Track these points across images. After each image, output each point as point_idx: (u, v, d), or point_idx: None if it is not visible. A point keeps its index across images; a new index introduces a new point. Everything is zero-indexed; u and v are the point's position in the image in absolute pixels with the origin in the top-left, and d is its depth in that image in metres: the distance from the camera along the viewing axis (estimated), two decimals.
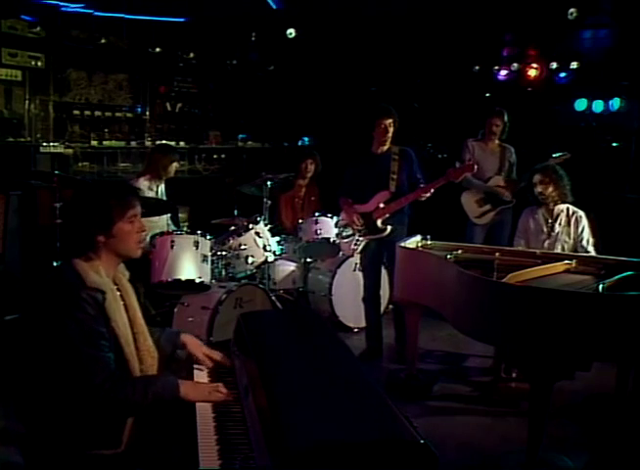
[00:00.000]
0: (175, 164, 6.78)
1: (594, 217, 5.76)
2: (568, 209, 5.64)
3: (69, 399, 2.60)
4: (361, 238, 6.08)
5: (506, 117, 6.89)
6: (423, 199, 5.84)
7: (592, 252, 5.50)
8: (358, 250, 6.21)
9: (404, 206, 5.94)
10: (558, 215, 5.65)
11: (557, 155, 6.29)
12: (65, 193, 6.66)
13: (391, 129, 5.90)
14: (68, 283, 2.66)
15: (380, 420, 2.27)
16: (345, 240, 6.40)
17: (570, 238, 5.60)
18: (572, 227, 5.60)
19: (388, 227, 5.93)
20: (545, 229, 5.67)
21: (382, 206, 5.92)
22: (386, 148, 5.99)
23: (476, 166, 6.03)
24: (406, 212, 6.07)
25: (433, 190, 5.80)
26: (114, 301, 2.72)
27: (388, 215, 5.93)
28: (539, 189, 5.59)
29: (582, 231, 5.58)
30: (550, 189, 5.57)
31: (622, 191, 8.90)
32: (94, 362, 2.59)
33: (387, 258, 6.20)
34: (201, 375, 3.09)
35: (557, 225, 5.63)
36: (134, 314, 2.88)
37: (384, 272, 6.46)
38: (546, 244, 5.63)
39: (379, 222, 5.94)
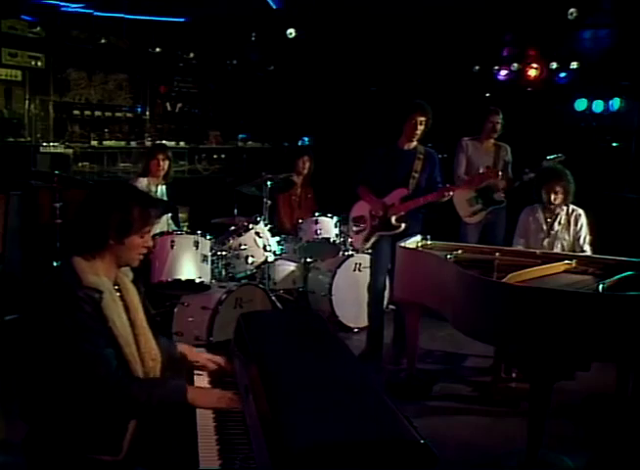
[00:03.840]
0: (163, 162, 6.70)
1: (592, 216, 5.76)
2: (567, 207, 5.65)
3: (72, 398, 2.59)
4: (374, 233, 6.04)
5: (501, 116, 6.91)
6: (441, 201, 5.82)
7: (588, 250, 5.52)
8: (368, 245, 6.15)
9: (420, 205, 5.88)
10: (558, 214, 5.65)
11: (551, 157, 6.27)
12: (65, 193, 6.67)
13: (421, 127, 5.81)
14: (66, 282, 2.65)
15: (380, 420, 2.27)
16: (357, 234, 6.23)
17: (569, 236, 5.62)
18: (572, 226, 5.61)
19: (402, 225, 5.87)
20: (545, 228, 5.67)
21: (398, 202, 5.87)
22: (412, 145, 5.93)
23: (500, 173, 6.01)
24: (421, 210, 5.96)
25: (452, 193, 5.81)
26: (113, 301, 2.71)
27: (403, 213, 5.90)
28: (552, 198, 5.53)
29: (580, 229, 5.60)
30: (561, 198, 5.56)
31: (622, 191, 8.92)
32: (95, 358, 2.58)
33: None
34: (201, 379, 3.07)
35: (556, 224, 5.64)
36: (135, 315, 2.86)
37: None
38: (545, 242, 5.63)
39: (393, 219, 5.89)
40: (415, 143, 5.94)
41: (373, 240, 6.06)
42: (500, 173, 6.06)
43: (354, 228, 6.26)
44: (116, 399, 2.60)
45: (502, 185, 6.79)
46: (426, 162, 5.90)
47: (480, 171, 5.95)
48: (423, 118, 5.80)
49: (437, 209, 5.92)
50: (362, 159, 6.16)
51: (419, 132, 5.84)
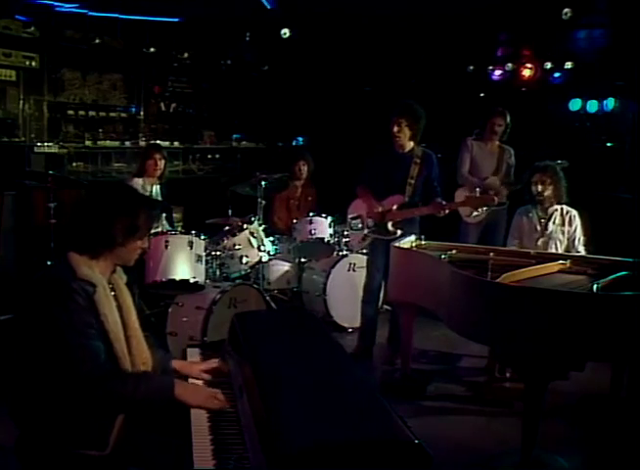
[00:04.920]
0: (160, 162, 6.66)
1: (586, 216, 5.77)
2: (562, 208, 5.67)
3: (58, 391, 2.59)
4: (370, 235, 6.01)
5: (508, 118, 6.87)
6: (437, 215, 5.73)
7: (582, 251, 5.53)
8: (365, 244, 6.13)
9: (415, 216, 5.84)
10: (552, 215, 5.67)
11: (556, 163, 6.28)
12: (59, 193, 6.66)
13: (400, 128, 5.70)
14: (60, 274, 2.66)
15: (374, 420, 2.27)
16: (355, 233, 6.19)
17: (564, 237, 5.63)
18: (567, 226, 5.63)
19: (399, 231, 5.78)
20: (539, 228, 5.69)
21: (394, 209, 5.81)
22: (407, 148, 5.83)
23: (496, 199, 5.99)
24: None
25: (447, 211, 5.68)
26: (105, 296, 2.70)
27: (399, 220, 5.84)
28: (539, 188, 5.59)
29: (575, 230, 5.62)
30: (549, 190, 5.58)
31: (616, 191, 8.92)
32: (82, 351, 2.56)
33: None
34: (197, 382, 3.06)
35: (551, 224, 5.65)
36: (128, 316, 2.86)
37: None
38: (540, 242, 5.65)
39: (390, 225, 5.84)
40: (411, 145, 5.84)
41: (369, 240, 6.04)
42: (495, 199, 6.02)
43: (352, 223, 6.23)
44: (101, 391, 2.59)
45: (497, 190, 6.80)
46: (422, 165, 5.80)
47: (477, 195, 5.87)
48: (402, 120, 5.70)
49: None
50: (363, 160, 6.13)
51: (401, 134, 5.73)
